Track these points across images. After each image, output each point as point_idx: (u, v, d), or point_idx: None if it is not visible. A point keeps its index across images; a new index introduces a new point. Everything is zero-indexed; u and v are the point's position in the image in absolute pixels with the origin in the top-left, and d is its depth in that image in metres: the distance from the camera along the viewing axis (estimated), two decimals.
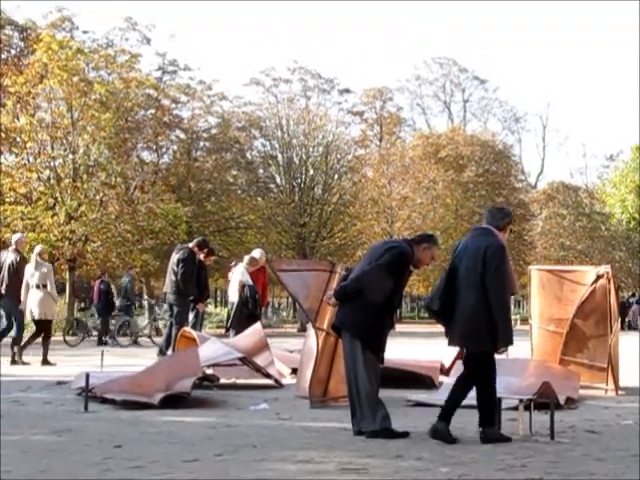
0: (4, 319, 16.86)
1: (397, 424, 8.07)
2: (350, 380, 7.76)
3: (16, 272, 15.75)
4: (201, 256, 15.85)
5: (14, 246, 16.21)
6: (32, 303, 15.74)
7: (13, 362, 15.47)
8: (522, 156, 68.14)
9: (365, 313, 7.63)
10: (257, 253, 17.11)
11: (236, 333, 14.51)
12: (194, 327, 14.87)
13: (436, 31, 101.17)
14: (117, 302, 26.55)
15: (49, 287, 15.78)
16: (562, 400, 9.36)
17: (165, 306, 15.66)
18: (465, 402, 9.45)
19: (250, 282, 15.72)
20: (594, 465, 6.33)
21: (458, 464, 6.26)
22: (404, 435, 7.54)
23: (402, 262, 7.77)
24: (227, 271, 18.14)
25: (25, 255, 16.70)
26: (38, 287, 15.66)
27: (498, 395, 7.94)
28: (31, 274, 15.71)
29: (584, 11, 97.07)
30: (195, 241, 15.97)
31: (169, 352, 14.12)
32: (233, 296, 15.99)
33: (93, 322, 25.93)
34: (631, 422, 8.66)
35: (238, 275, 15.95)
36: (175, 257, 15.18)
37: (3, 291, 15.92)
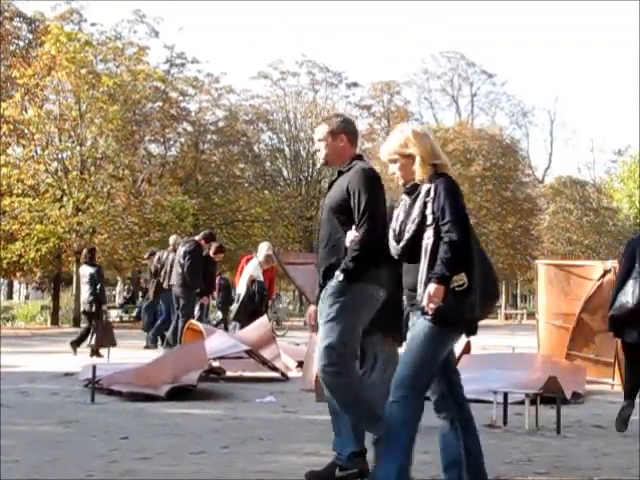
0: (164, 312, 17.74)
1: None
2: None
3: None
4: (211, 252, 15.90)
5: (172, 247, 17.47)
6: None
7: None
8: (529, 150, 67.90)
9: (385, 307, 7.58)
10: (264, 247, 17.11)
11: (241, 327, 14.51)
12: (199, 320, 14.89)
13: (444, 25, 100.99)
14: None
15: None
16: (568, 395, 9.36)
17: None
18: (468, 397, 9.48)
19: (261, 278, 15.70)
20: (600, 459, 6.33)
21: None
22: None
23: None
24: (235, 264, 18.17)
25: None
26: None
27: (504, 389, 7.95)
28: None
29: (593, 7, 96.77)
30: (202, 234, 16.00)
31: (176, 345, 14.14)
32: (240, 288, 15.99)
33: (214, 316, 26.48)
34: (637, 417, 8.65)
35: (250, 269, 15.94)
36: (181, 250, 15.19)
37: (166, 286, 16.77)
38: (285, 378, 11.74)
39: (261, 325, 12.95)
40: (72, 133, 33.98)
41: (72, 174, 33.41)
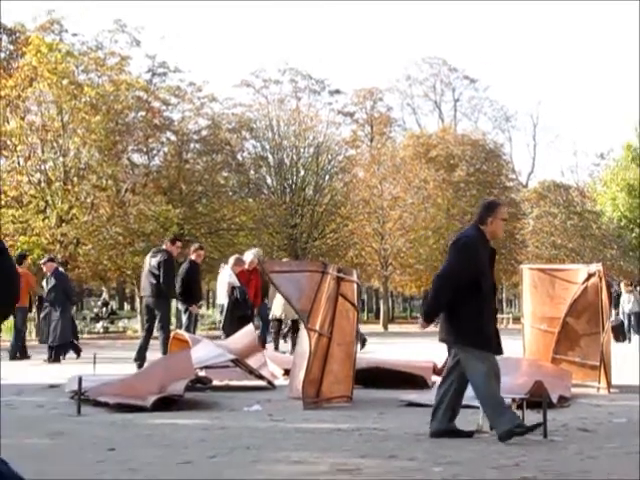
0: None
1: (391, 424, 8.11)
2: (455, 385, 7.57)
3: None
4: (193, 256, 15.96)
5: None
6: (276, 304, 18.07)
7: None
8: (513, 155, 68.18)
9: (459, 318, 7.41)
10: (250, 255, 17.18)
11: (227, 335, 14.48)
12: (187, 329, 14.86)
13: (426, 31, 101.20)
14: None
15: None
16: (554, 399, 9.38)
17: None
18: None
19: (237, 283, 15.74)
20: (587, 463, 6.35)
21: (452, 463, 6.28)
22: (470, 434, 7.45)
23: (469, 252, 7.46)
24: (218, 273, 18.21)
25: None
26: None
27: None
28: None
29: (575, 10, 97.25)
30: (166, 240, 16.11)
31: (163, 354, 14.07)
32: (221, 298, 16.01)
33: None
34: (624, 420, 8.68)
35: (226, 277, 15.97)
36: (153, 261, 15.00)
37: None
38: (272, 386, 11.72)
39: (247, 334, 12.95)
40: (55, 144, 33.93)
41: (55, 185, 33.37)
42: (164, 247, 15.55)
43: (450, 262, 7.54)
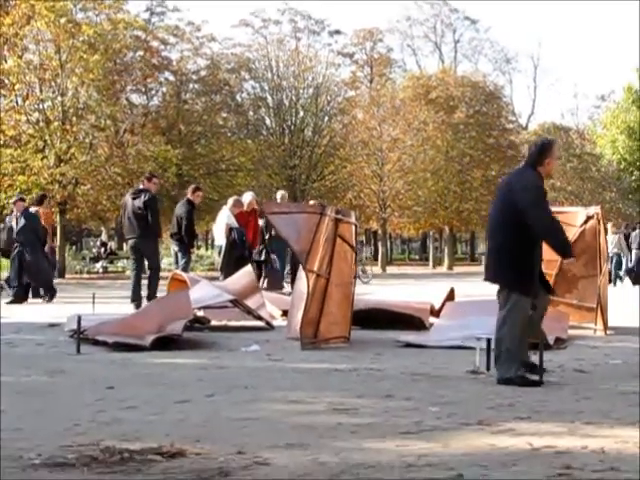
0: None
1: (388, 365, 8.16)
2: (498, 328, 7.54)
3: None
4: (190, 195, 15.96)
5: (280, 202, 18.16)
6: None
7: None
8: (513, 97, 67.83)
9: (507, 261, 7.44)
10: (248, 196, 17.17)
11: (225, 276, 14.51)
12: (184, 270, 14.89)
13: None
14: None
15: None
16: (551, 340, 9.44)
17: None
18: (452, 343, 9.57)
19: (236, 224, 15.74)
20: (582, 403, 6.40)
21: (448, 403, 6.32)
22: (538, 384, 7.28)
23: (540, 191, 7.57)
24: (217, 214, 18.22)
25: None
26: None
27: (487, 336, 7.99)
28: None
29: None
30: (143, 179, 15.93)
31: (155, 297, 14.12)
32: (219, 240, 16.02)
33: None
34: (619, 361, 8.74)
35: (224, 218, 15.97)
36: (137, 201, 14.80)
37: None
38: (270, 327, 11.78)
39: (245, 274, 12.98)
40: (53, 83, 33.69)
41: (54, 124, 33.19)
42: (142, 186, 15.37)
43: (533, 204, 7.44)
